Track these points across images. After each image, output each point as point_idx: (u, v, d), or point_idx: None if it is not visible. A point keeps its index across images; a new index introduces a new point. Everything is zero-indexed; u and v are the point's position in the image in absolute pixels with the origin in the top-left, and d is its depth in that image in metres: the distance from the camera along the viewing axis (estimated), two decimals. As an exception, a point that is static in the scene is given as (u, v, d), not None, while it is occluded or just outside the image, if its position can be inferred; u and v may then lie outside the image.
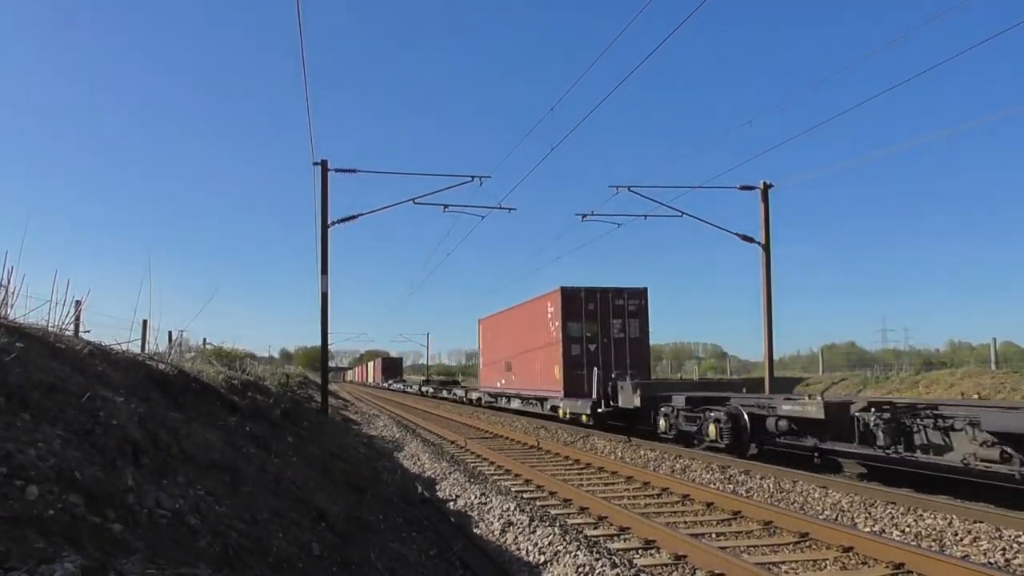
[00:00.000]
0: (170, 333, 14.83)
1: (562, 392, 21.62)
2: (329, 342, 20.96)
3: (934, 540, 7.31)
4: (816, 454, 12.11)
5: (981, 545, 7.03)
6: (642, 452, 15.20)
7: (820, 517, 8.36)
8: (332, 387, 47.81)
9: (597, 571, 5.70)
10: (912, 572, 6.10)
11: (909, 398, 15.55)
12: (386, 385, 78.25)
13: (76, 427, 3.81)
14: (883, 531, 7.79)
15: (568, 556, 6.14)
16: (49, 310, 6.61)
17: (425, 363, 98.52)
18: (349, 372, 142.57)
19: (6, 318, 5.82)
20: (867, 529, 7.85)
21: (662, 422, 16.21)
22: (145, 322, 11.27)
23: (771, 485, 10.59)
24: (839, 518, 8.50)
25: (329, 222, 20.22)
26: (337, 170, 20.49)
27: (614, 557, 6.17)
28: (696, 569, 6.35)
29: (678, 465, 13.19)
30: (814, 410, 11.44)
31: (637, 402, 17.20)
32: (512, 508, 8.15)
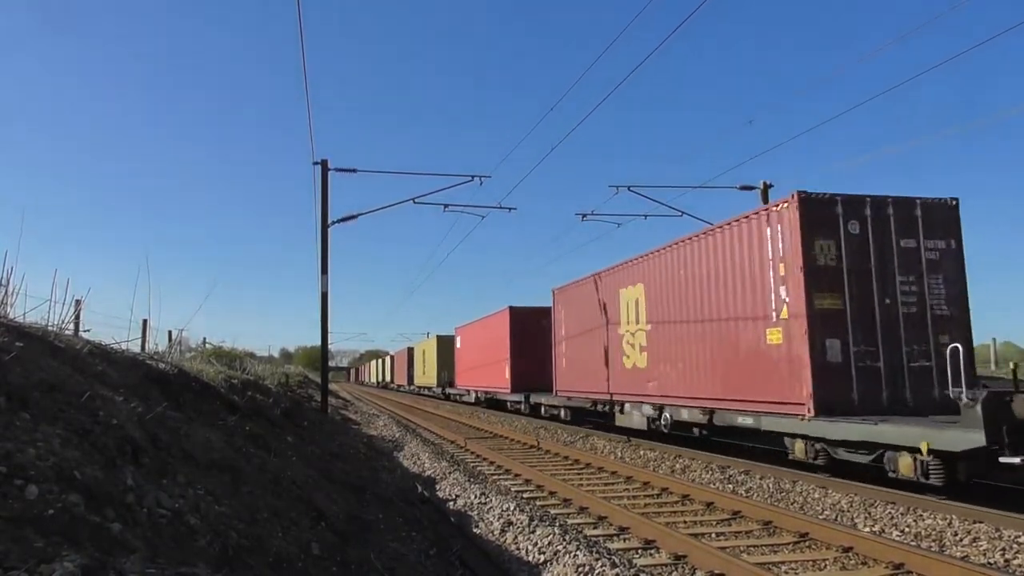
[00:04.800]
0: (170, 332, 14.84)
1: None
2: (329, 342, 20.96)
3: (934, 540, 7.31)
4: None
5: (981, 545, 7.02)
6: (642, 452, 15.20)
7: (820, 517, 8.35)
8: (333, 387, 47.85)
9: (597, 571, 5.69)
10: (912, 572, 6.10)
11: None
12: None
13: (76, 427, 3.81)
14: (883, 531, 7.78)
15: (568, 556, 6.14)
16: (49, 309, 6.61)
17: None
18: (370, 366, 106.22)
19: (6, 317, 5.82)
20: (867, 529, 7.85)
21: None
22: (145, 321, 11.27)
23: (771, 485, 10.58)
24: (839, 518, 8.49)
25: (329, 222, 20.21)
26: (337, 170, 20.48)
27: (614, 557, 6.17)
28: (696, 569, 6.35)
29: (678, 465, 13.18)
30: None
31: None
32: (512, 508, 8.15)
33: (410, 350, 59.03)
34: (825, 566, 6.50)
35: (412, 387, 56.53)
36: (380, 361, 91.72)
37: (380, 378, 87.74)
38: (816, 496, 9.66)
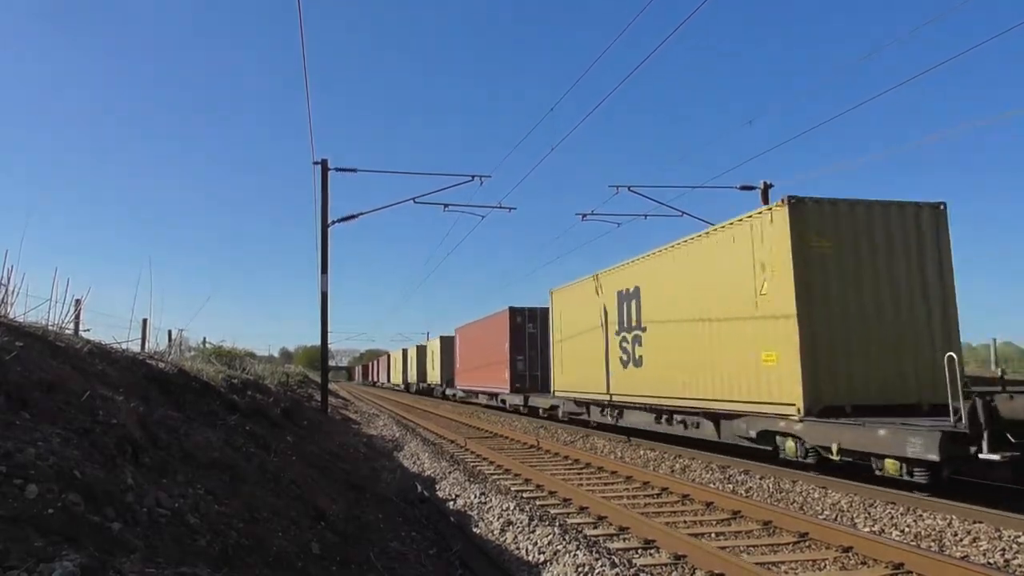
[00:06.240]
0: (170, 332, 14.87)
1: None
2: (329, 341, 20.95)
3: (934, 540, 7.31)
4: None
5: (980, 545, 7.02)
6: (642, 452, 15.20)
7: (820, 517, 8.35)
8: (333, 387, 47.51)
9: (597, 571, 5.69)
10: (912, 572, 6.10)
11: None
12: None
13: (76, 426, 3.81)
14: (883, 531, 7.78)
15: (568, 556, 6.14)
16: (49, 309, 6.63)
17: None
18: (387, 361, 79.05)
19: (6, 317, 5.83)
20: (867, 529, 7.85)
21: None
22: (145, 321, 11.29)
23: (771, 485, 10.58)
24: (839, 518, 8.49)
25: (329, 221, 20.21)
26: (337, 169, 20.49)
27: (614, 557, 6.17)
28: (695, 569, 6.35)
29: (678, 465, 13.19)
30: None
31: None
32: (512, 507, 8.15)
33: (515, 312, 27.90)
34: (825, 566, 6.50)
35: (524, 402, 26.36)
36: (411, 351, 60.25)
37: (411, 377, 58.47)
38: (816, 496, 9.67)
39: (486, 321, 31.78)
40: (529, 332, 27.83)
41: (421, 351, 55.03)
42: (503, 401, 29.09)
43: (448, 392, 42.73)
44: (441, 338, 45.34)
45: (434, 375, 48.07)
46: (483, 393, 33.25)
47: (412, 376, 58.26)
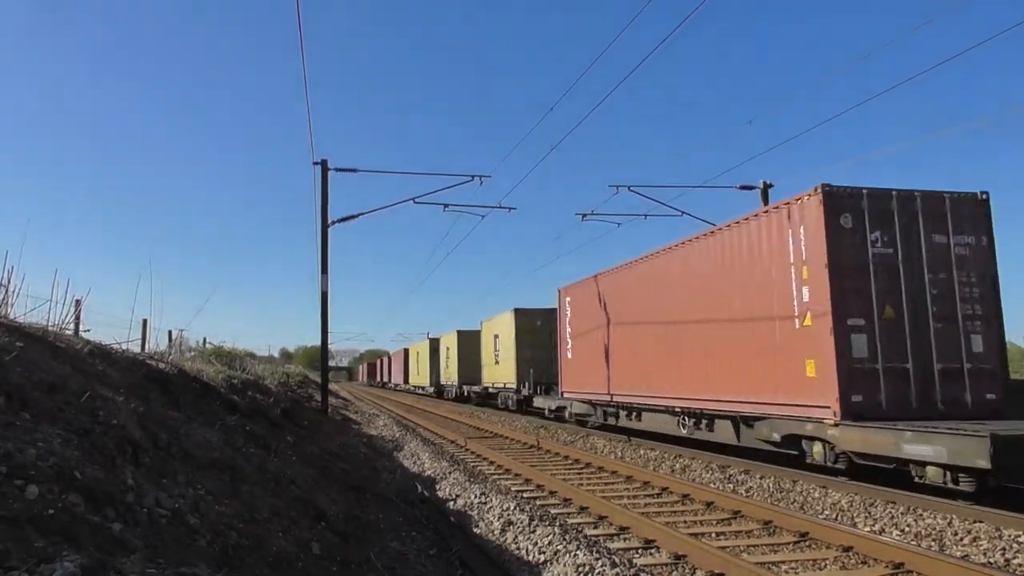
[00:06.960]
0: (170, 332, 14.88)
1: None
2: (329, 342, 20.94)
3: (934, 540, 7.31)
4: None
5: (981, 545, 7.02)
6: (642, 452, 15.20)
7: (820, 517, 8.35)
8: (333, 387, 47.36)
9: (597, 571, 5.70)
10: (912, 572, 6.10)
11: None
12: None
13: (76, 426, 3.81)
14: (883, 531, 7.78)
15: (568, 555, 6.14)
16: (49, 309, 6.63)
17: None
18: (404, 357, 60.49)
19: (6, 317, 5.83)
20: (867, 529, 7.85)
21: None
22: (145, 321, 11.30)
23: (771, 485, 10.58)
24: (839, 518, 8.49)
25: (329, 222, 20.20)
26: (337, 169, 20.46)
27: (614, 556, 6.17)
28: (696, 569, 6.35)
29: (678, 465, 13.18)
30: None
31: None
32: (512, 507, 8.15)
33: (837, 200, 10.14)
34: (825, 566, 6.50)
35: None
36: (448, 340, 41.00)
37: (448, 377, 40.80)
38: (816, 496, 9.66)
39: (706, 241, 13.81)
40: (877, 254, 10.40)
41: (468, 339, 36.18)
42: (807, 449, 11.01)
43: (540, 403, 24.34)
44: (516, 312, 27.95)
45: (498, 374, 29.83)
46: (699, 414, 13.98)
47: (449, 376, 40.24)
